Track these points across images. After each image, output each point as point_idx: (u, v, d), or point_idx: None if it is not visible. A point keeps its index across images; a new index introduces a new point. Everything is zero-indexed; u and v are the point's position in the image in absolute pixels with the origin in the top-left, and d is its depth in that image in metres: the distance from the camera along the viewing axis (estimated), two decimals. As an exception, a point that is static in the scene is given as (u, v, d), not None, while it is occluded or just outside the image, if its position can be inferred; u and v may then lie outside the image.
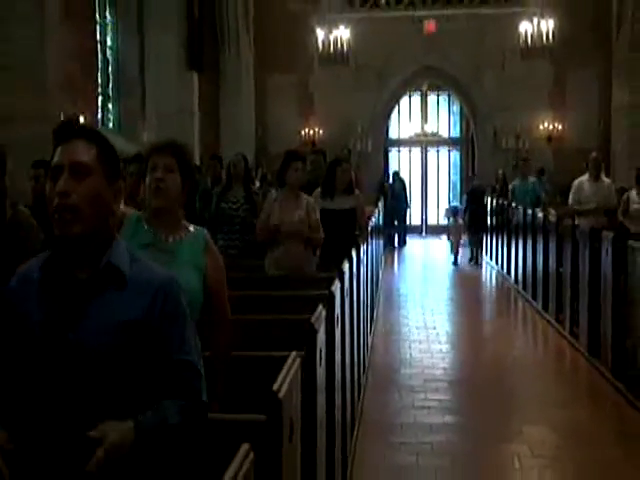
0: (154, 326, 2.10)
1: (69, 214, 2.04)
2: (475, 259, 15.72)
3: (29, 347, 2.10)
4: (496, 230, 14.85)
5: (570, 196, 9.98)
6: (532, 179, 13.45)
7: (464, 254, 16.01)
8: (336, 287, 4.29)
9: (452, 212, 16.78)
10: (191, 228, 3.23)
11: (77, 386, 2.06)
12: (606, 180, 10.24)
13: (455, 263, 15.63)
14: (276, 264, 5.97)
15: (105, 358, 2.05)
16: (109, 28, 15.14)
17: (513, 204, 12.82)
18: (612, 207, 9.72)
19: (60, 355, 2.06)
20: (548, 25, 17.19)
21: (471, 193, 16.23)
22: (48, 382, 2.08)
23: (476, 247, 15.81)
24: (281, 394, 2.36)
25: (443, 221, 19.48)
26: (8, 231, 4.23)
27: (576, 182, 10.01)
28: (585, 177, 9.93)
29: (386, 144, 21.22)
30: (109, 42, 15.09)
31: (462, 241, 16.10)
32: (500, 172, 17.01)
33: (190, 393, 2.13)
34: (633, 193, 9.49)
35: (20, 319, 2.14)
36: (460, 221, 16.02)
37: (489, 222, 15.78)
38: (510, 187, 13.77)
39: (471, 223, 15.60)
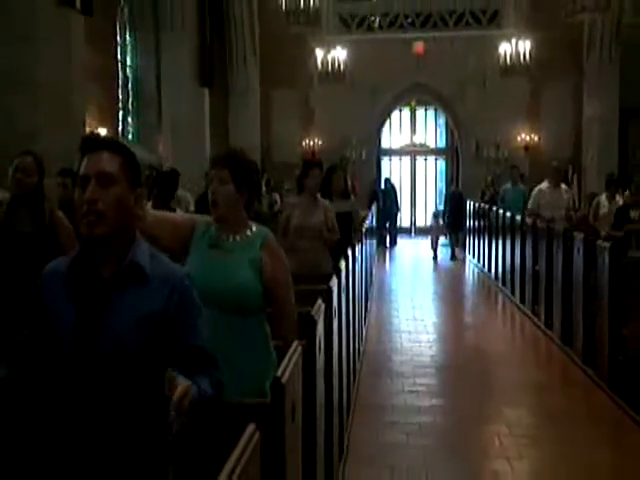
0: (171, 317, 2.10)
1: (95, 217, 2.05)
2: (453, 255, 16.08)
3: (60, 339, 2.10)
4: (479, 231, 14.86)
5: (530, 202, 9.87)
6: (522, 185, 13.23)
7: (446, 251, 16.54)
8: (334, 283, 4.30)
9: (438, 214, 17.17)
10: (254, 228, 3.19)
11: (106, 377, 2.05)
12: (564, 188, 10.16)
13: (435, 258, 16.13)
14: (297, 262, 5.96)
15: (131, 349, 2.05)
16: (129, 48, 15.15)
17: (494, 208, 12.82)
18: (566, 217, 9.54)
19: (90, 346, 2.05)
20: (525, 46, 17.17)
21: (449, 197, 16.64)
22: (79, 374, 2.07)
23: (454, 244, 16.20)
24: (284, 379, 2.37)
25: (430, 223, 19.75)
26: (47, 233, 4.25)
27: (536, 189, 9.90)
28: (545, 185, 9.80)
29: (379, 153, 21.20)
30: (129, 61, 15.11)
31: (441, 239, 16.68)
32: (489, 179, 17.04)
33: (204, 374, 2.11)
34: (603, 198, 9.47)
35: (49, 313, 2.14)
36: (440, 222, 16.44)
37: (472, 224, 15.84)
38: (501, 192, 13.53)
39: (449, 223, 16.02)
